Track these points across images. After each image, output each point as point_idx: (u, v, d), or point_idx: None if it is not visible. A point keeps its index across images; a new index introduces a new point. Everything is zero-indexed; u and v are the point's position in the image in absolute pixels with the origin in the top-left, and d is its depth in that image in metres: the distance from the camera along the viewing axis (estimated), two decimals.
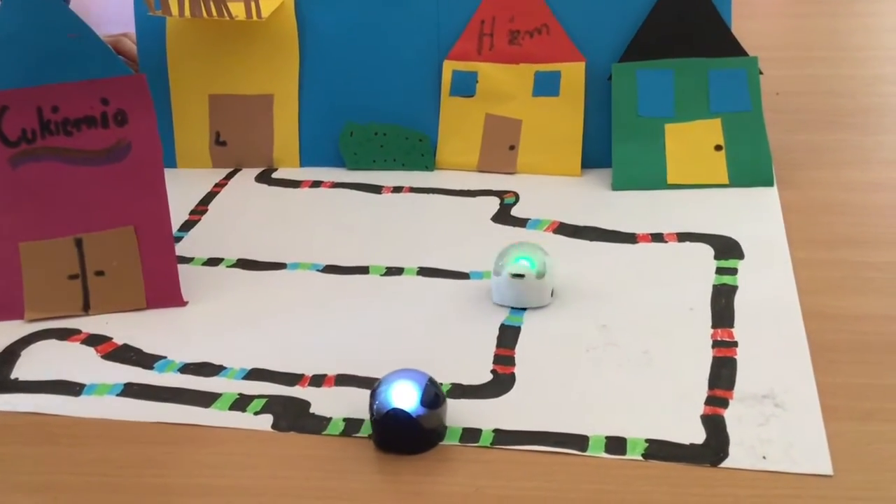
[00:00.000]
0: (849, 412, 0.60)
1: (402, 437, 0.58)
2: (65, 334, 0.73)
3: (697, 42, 0.92)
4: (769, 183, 0.89)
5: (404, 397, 0.58)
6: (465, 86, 0.97)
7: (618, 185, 0.91)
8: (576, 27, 0.94)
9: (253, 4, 0.93)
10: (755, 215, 0.84)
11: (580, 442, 0.59)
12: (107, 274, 0.76)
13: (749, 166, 0.89)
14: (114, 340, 0.72)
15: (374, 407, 0.59)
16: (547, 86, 0.95)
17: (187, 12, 0.93)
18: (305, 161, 1.00)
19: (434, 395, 0.59)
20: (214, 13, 0.93)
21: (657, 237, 0.82)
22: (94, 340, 0.72)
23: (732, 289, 0.73)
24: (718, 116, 0.91)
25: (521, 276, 0.72)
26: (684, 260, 0.78)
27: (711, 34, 0.92)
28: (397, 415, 0.58)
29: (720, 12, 0.92)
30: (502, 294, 0.73)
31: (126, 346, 0.71)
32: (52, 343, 0.73)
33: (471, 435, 0.60)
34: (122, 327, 0.74)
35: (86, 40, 0.74)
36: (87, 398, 0.66)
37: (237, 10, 0.94)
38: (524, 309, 0.73)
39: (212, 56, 0.99)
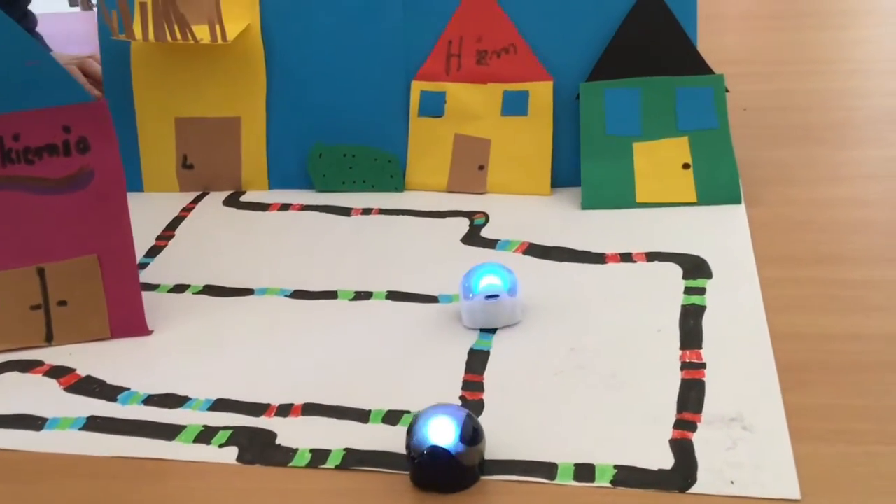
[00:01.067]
0: (817, 434, 0.60)
1: (442, 475, 0.57)
2: (27, 366, 0.72)
3: (664, 61, 0.92)
4: (737, 200, 0.89)
5: (442, 434, 0.56)
6: (434, 106, 0.97)
7: (587, 205, 0.91)
8: (543, 47, 0.94)
9: (218, 27, 0.93)
10: (723, 234, 0.84)
11: (548, 470, 0.58)
12: (70, 304, 0.74)
13: (717, 184, 0.89)
14: (77, 372, 0.71)
15: (412, 445, 0.57)
16: (515, 105, 0.95)
17: (151, 36, 0.93)
18: (274, 183, 1.00)
19: (473, 431, 0.57)
20: (179, 37, 0.92)
21: (626, 257, 0.82)
22: (57, 372, 0.71)
23: (701, 309, 0.73)
24: (686, 135, 0.91)
25: (495, 296, 0.71)
26: (653, 280, 0.78)
27: (678, 53, 0.92)
28: (436, 452, 0.56)
29: (686, 31, 0.92)
30: (474, 317, 0.72)
31: (89, 378, 0.70)
32: (14, 375, 0.71)
33: None
34: (86, 358, 0.73)
35: (46, 67, 0.73)
36: (49, 432, 0.65)
37: (202, 33, 0.93)
38: (494, 331, 0.72)
39: (177, 79, 0.99)
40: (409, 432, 0.57)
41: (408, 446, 0.57)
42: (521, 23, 0.95)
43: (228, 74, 0.98)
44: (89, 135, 0.74)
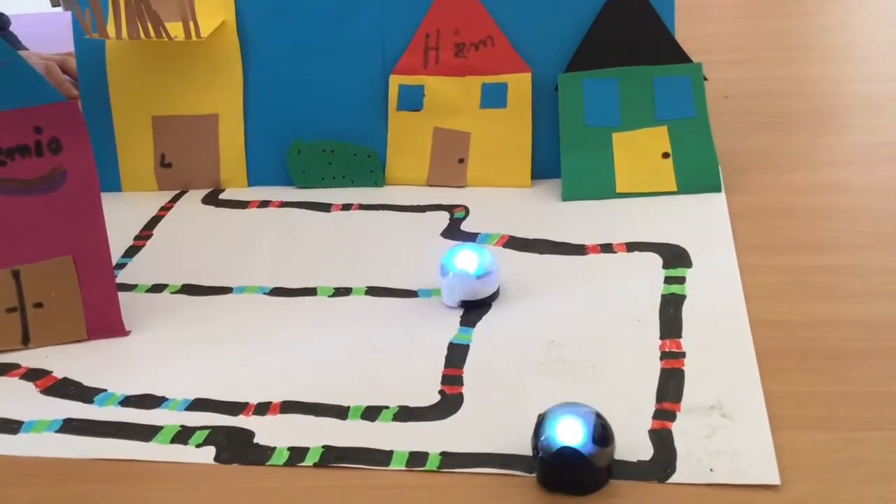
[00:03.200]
0: (796, 421, 0.59)
1: (572, 476, 0.55)
2: (3, 369, 0.72)
3: (641, 50, 0.92)
4: (717, 189, 0.89)
5: (572, 434, 0.55)
6: (412, 100, 0.96)
7: (567, 196, 0.90)
8: (521, 39, 0.94)
9: (192, 24, 0.92)
10: (703, 222, 0.84)
11: (528, 463, 0.58)
12: (46, 306, 0.74)
13: (696, 173, 0.89)
14: (53, 374, 0.71)
15: (540, 445, 0.55)
16: (494, 98, 0.95)
17: (125, 34, 0.92)
18: (253, 180, 0.99)
19: (603, 429, 0.55)
20: (152, 34, 0.92)
21: (606, 248, 0.81)
22: (33, 375, 0.71)
23: (681, 298, 0.73)
24: (664, 124, 0.91)
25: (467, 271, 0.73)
26: (633, 270, 0.78)
27: (655, 42, 0.92)
28: (566, 453, 0.54)
29: (663, 20, 0.92)
30: (452, 293, 0.73)
31: (66, 380, 0.70)
32: None
33: (417, 459, 0.59)
34: (62, 360, 0.72)
35: (15, 67, 0.72)
36: (24, 436, 0.64)
37: (175, 30, 0.92)
38: (474, 324, 0.72)
39: (154, 77, 0.98)
40: (536, 432, 0.56)
41: (535, 446, 0.56)
42: (498, 14, 0.94)
43: (205, 71, 0.98)
44: (61, 135, 0.73)
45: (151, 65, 0.98)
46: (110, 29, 0.92)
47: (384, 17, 0.96)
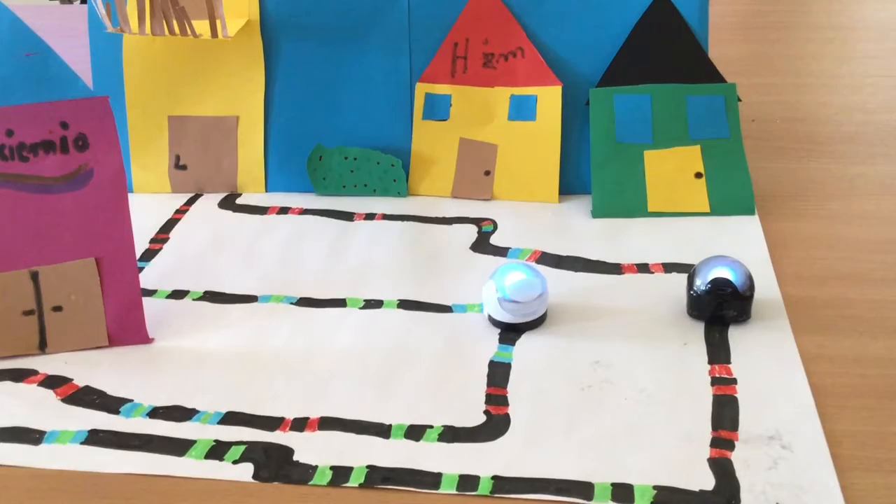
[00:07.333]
0: (856, 461, 0.57)
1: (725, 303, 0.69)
2: (20, 375, 0.68)
3: (675, 68, 0.91)
4: (751, 212, 0.87)
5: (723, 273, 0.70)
6: (439, 109, 0.94)
7: (598, 213, 0.88)
8: (552, 51, 0.92)
9: (219, 22, 0.89)
10: (740, 246, 0.82)
11: (585, 489, 0.56)
12: (65, 309, 0.70)
13: (730, 195, 0.88)
14: (74, 382, 0.67)
15: (695, 283, 0.70)
16: (523, 110, 0.93)
17: (148, 30, 0.88)
18: (271, 186, 0.96)
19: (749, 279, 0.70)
20: (178, 31, 0.88)
21: (643, 267, 0.80)
22: (52, 382, 0.67)
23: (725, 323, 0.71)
24: (697, 143, 0.90)
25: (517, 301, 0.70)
26: (673, 291, 0.76)
27: (689, 60, 0.91)
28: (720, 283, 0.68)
29: (698, 38, 0.91)
30: (500, 312, 0.71)
31: (88, 388, 0.66)
32: (7, 385, 0.67)
33: (468, 482, 0.57)
34: (83, 367, 0.68)
35: (44, 59, 0.69)
36: (48, 447, 0.61)
37: (202, 28, 0.89)
38: (514, 342, 0.70)
39: (172, 75, 0.95)
40: (691, 276, 0.71)
41: (690, 286, 0.70)
42: (529, 26, 0.92)
43: (226, 71, 0.95)
44: (89, 131, 0.70)
45: (170, 62, 0.95)
46: (133, 24, 0.89)
47: (412, 23, 0.93)
